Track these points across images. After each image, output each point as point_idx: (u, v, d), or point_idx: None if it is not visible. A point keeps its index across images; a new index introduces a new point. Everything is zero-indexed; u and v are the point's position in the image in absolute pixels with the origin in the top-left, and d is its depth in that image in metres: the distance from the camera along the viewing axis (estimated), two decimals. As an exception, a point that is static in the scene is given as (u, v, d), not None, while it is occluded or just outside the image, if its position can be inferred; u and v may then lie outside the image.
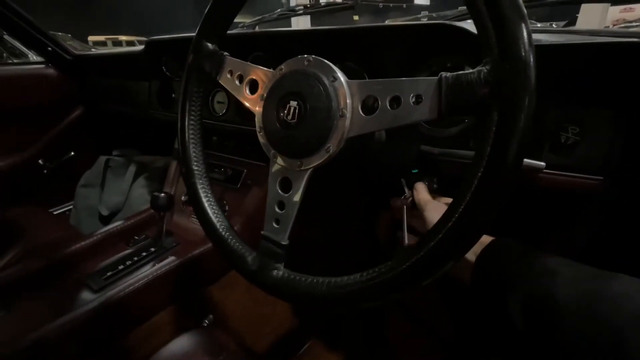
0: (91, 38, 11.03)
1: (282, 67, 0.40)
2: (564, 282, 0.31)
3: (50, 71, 1.22)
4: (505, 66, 0.26)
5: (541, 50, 0.46)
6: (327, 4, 0.88)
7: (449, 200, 0.50)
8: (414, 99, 0.31)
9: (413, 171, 0.61)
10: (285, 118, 0.37)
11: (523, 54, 0.25)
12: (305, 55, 0.38)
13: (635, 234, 0.53)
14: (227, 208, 0.87)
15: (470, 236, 0.29)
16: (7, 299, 0.62)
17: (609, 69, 0.43)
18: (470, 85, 0.28)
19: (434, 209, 0.46)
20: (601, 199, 0.50)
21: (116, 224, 0.85)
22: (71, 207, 1.29)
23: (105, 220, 1.18)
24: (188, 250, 0.76)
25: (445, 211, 0.29)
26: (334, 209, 1.01)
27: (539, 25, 0.87)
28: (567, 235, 0.63)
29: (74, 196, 1.27)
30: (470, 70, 0.28)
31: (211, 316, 0.76)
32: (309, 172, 0.38)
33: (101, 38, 11.26)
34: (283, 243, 0.39)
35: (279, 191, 0.40)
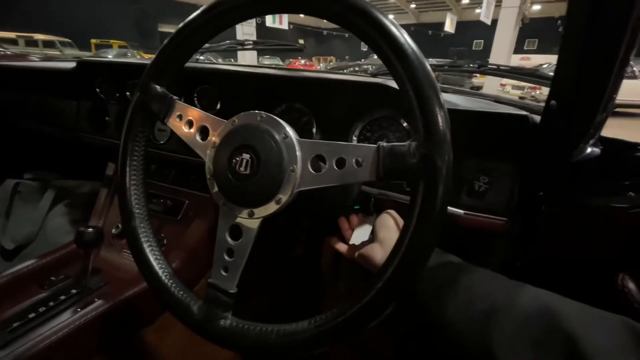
0: (-3, 34, 9.55)
1: (235, 119, 0.41)
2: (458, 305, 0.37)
3: None
4: (428, 144, 0.31)
5: (456, 114, 0.55)
6: (276, 44, 0.92)
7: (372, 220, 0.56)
8: (355, 162, 0.35)
9: (355, 207, 0.67)
10: (237, 169, 0.39)
11: (441, 136, 0.31)
12: (258, 112, 0.40)
13: (532, 263, 0.64)
14: (165, 242, 0.82)
15: (408, 280, 0.33)
16: None
17: (504, 131, 0.54)
18: (402, 155, 0.33)
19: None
20: (506, 237, 0.60)
21: (27, 263, 0.74)
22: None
23: (9, 255, 1.01)
24: (119, 291, 0.70)
25: (385, 261, 0.34)
26: (281, 245, 1.02)
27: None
28: (483, 265, 0.73)
29: (-34, 226, 1.06)
30: (402, 144, 0.33)
31: (143, 363, 0.70)
32: (259, 221, 0.39)
33: (11, 35, 9.82)
34: (231, 291, 0.39)
35: (229, 239, 0.40)
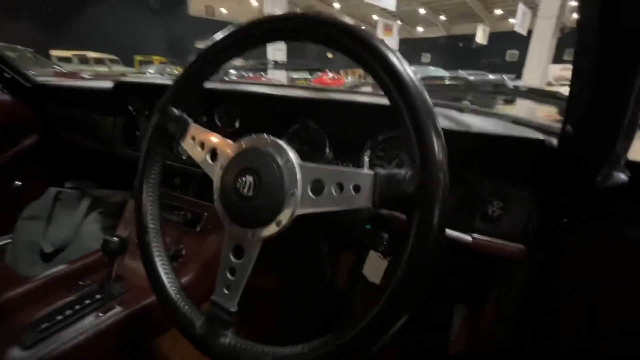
0: (54, 53, 10.58)
1: (242, 142, 0.43)
2: None
3: (6, 97, 1.17)
4: (424, 174, 0.31)
5: (468, 137, 0.54)
6: (295, 64, 0.96)
7: None
8: (354, 188, 0.35)
9: (366, 226, 0.66)
10: (241, 190, 0.40)
11: (437, 166, 0.31)
12: (264, 135, 0.42)
13: (558, 296, 0.60)
14: (183, 252, 0.86)
15: (401, 310, 0.33)
16: None
17: (519, 155, 0.52)
18: (398, 183, 0.33)
19: None
20: (524, 265, 0.57)
21: (59, 268, 0.80)
22: (8, 241, 1.19)
23: (48, 257, 1.10)
24: (137, 299, 0.73)
25: (383, 291, 0.33)
26: (292, 261, 1.03)
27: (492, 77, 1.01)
28: (504, 294, 0.70)
29: (14, 229, 1.17)
30: (399, 171, 0.33)
31: (158, 371, 0.72)
32: (260, 242, 0.40)
33: (67, 54, 10.81)
34: (232, 310, 0.40)
35: (232, 257, 0.42)
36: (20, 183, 1.23)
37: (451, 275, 0.85)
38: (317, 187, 0.38)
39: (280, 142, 0.41)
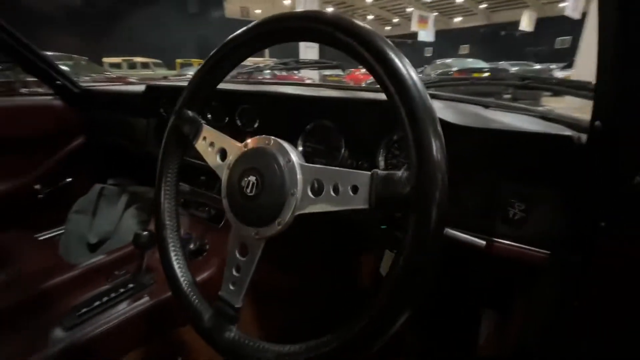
0: (106, 59, 11.55)
1: (248, 143, 0.44)
2: None
3: (58, 102, 1.29)
4: (421, 176, 0.30)
5: (486, 133, 0.51)
6: (316, 61, 0.97)
7: None
8: (352, 189, 0.35)
9: (382, 227, 0.65)
10: (245, 190, 0.41)
11: (434, 168, 0.30)
12: (267, 136, 0.43)
13: (592, 303, 0.55)
14: (207, 247, 0.90)
15: (399, 314, 0.32)
16: None
17: (544, 153, 0.48)
18: (394, 184, 0.32)
19: None
20: (550, 272, 0.53)
21: (99, 258, 0.88)
22: (60, 232, 1.32)
23: (93, 248, 1.21)
24: (164, 290, 0.78)
25: (381, 290, 0.33)
26: (308, 261, 1.04)
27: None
28: (530, 300, 0.65)
29: (65, 222, 1.30)
30: (396, 172, 0.32)
31: (181, 358, 0.77)
32: (263, 241, 0.41)
33: (117, 60, 11.75)
34: (237, 306, 0.41)
35: (237, 255, 0.43)
36: (70, 179, 1.36)
37: (477, 279, 0.81)
38: (317, 188, 0.38)
39: (283, 142, 0.41)
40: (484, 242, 0.50)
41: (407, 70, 0.32)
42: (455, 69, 7.23)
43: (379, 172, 0.33)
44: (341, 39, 0.35)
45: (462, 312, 0.94)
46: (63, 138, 1.34)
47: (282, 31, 0.40)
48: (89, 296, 0.77)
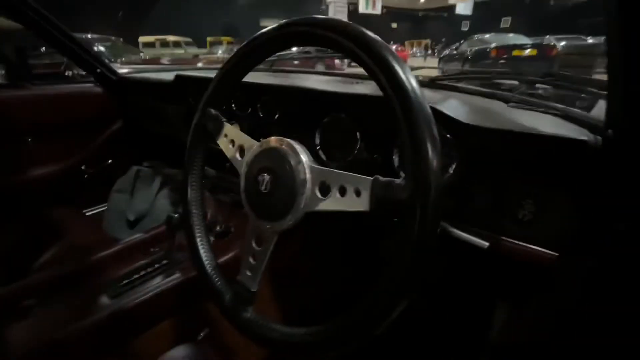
0: (142, 39, 11.92)
1: (263, 142, 0.48)
2: None
3: (98, 89, 1.39)
4: (417, 181, 0.32)
5: (497, 134, 0.50)
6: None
7: None
8: (355, 192, 0.38)
9: (394, 220, 0.67)
10: (260, 187, 0.45)
11: (431, 174, 0.31)
12: (281, 138, 0.46)
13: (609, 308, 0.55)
14: (232, 230, 0.97)
15: (401, 296, 0.35)
16: (39, 299, 0.75)
17: (558, 155, 0.47)
18: (393, 190, 0.34)
19: None
20: (561, 274, 0.53)
21: (137, 235, 0.97)
22: (104, 209, 1.46)
23: (131, 224, 1.33)
24: (192, 268, 0.86)
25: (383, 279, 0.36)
26: (325, 247, 1.09)
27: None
28: (539, 300, 0.66)
29: (107, 199, 1.43)
30: (396, 179, 0.34)
31: (207, 329, 0.86)
32: (276, 234, 0.45)
33: (151, 39, 12.10)
34: (252, 290, 0.46)
35: (254, 244, 0.47)
36: (110, 161, 1.48)
37: (489, 275, 0.82)
38: (324, 189, 0.41)
39: (295, 144, 0.44)
40: (486, 244, 0.51)
41: (409, 80, 0.34)
42: (493, 45, 6.71)
43: (381, 178, 0.36)
44: (350, 46, 0.37)
45: (475, 303, 0.95)
46: (103, 123, 1.45)
47: (287, 35, 0.42)
48: (129, 269, 0.86)
